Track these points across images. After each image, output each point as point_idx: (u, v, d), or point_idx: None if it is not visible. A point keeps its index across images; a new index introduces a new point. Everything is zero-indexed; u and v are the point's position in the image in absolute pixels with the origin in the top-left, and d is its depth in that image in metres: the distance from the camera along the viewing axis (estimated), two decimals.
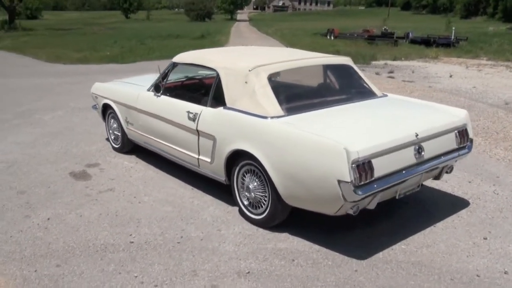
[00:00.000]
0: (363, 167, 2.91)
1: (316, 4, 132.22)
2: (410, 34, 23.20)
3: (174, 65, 4.51)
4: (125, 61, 15.58)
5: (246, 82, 3.65)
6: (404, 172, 3.21)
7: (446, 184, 4.54)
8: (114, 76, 7.73)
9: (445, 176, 4.66)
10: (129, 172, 4.88)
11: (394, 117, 3.66)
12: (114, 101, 5.26)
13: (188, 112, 4.01)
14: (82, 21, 59.17)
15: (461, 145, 3.70)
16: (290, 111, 3.53)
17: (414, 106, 4.05)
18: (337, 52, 17.14)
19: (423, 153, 3.31)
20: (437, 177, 3.78)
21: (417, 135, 3.27)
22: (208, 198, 4.20)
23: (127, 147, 5.40)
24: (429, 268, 3.08)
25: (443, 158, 3.54)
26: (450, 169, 3.84)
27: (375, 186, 2.99)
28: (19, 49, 20.07)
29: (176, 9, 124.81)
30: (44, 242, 3.43)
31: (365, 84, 4.23)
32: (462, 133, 3.70)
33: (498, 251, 3.32)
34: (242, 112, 3.60)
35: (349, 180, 2.85)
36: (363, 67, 13.87)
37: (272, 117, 3.43)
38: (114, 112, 5.30)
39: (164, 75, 4.54)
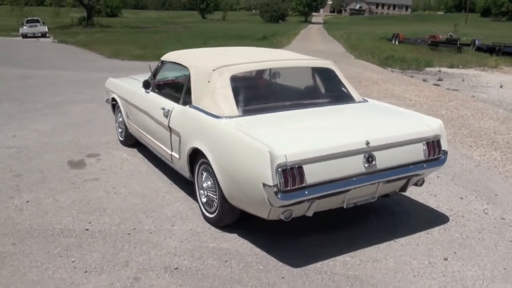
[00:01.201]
0: (291, 172, 2.83)
1: (394, 8, 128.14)
2: (477, 41, 21.86)
3: (163, 63, 4.64)
4: None
5: (209, 82, 3.68)
6: (347, 181, 3.07)
7: (433, 198, 4.26)
8: None
9: (434, 189, 4.42)
10: (121, 164, 5.10)
11: (351, 124, 3.52)
12: (119, 96, 5.52)
13: (163, 108, 4.12)
14: (160, 20, 62.02)
15: (430, 157, 3.45)
16: (246, 112, 3.51)
17: (385, 114, 3.85)
18: (391, 57, 16.54)
19: (374, 163, 3.14)
20: (402, 189, 3.56)
21: (368, 143, 3.11)
22: (181, 194, 4.28)
23: (130, 140, 5.63)
24: (363, 284, 2.92)
25: (403, 170, 3.33)
26: (420, 182, 3.60)
27: (306, 193, 2.89)
28: (88, 44, 21.57)
29: (254, 11, 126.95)
30: (13, 222, 3.69)
31: (343, 89, 4.09)
32: (433, 145, 3.45)
33: (454, 274, 3.06)
34: (201, 111, 3.64)
35: (271, 184, 2.79)
36: (413, 73, 13.28)
37: (225, 117, 3.44)
38: (119, 106, 5.56)
39: (155, 73, 4.69)
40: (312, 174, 2.92)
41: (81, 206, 4.01)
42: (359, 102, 4.03)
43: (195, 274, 3.00)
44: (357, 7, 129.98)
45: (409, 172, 3.37)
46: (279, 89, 4.02)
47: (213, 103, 3.56)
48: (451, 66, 15.16)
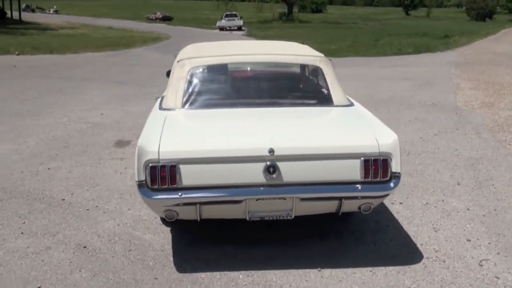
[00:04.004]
0: (162, 170, 2.68)
1: None
2: None
3: None
4: (335, 55, 16.15)
5: (172, 73, 3.69)
6: (240, 190, 2.74)
7: (434, 234, 3.43)
8: None
9: (438, 223, 3.55)
10: None
11: (279, 129, 3.10)
12: None
13: (156, 98, 4.28)
14: (363, 16, 61.41)
15: (370, 179, 2.80)
16: (191, 106, 3.43)
17: (340, 122, 3.29)
18: None
19: (277, 175, 2.72)
20: (335, 213, 2.98)
21: (271, 151, 2.71)
22: None
23: None
24: None
25: (326, 189, 2.79)
26: (366, 209, 2.95)
27: (180, 194, 2.70)
28: (270, 37, 23.36)
29: (462, 8, 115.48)
30: (20, 183, 4.34)
31: (322, 90, 3.60)
32: (376, 164, 2.79)
33: None
34: (159, 101, 3.69)
35: (137, 180, 2.71)
36: None
37: (165, 109, 3.43)
38: None
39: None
40: (191, 176, 2.71)
41: (82, 179, 4.49)
42: (336, 106, 3.50)
43: (92, 255, 3.11)
44: None
45: (335, 193, 2.81)
46: (244, 85, 3.73)
47: (167, 94, 3.57)
48: None
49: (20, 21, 34.26)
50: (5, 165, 4.81)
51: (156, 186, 2.69)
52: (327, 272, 2.93)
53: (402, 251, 3.21)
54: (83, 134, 6.02)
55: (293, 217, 2.91)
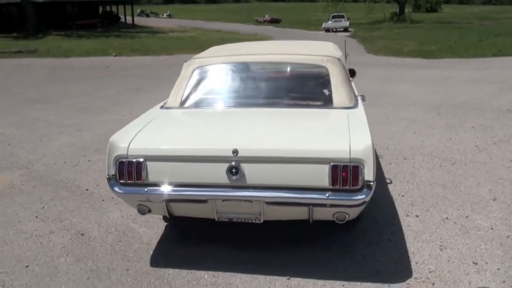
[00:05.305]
0: (129, 165, 2.77)
1: None
2: None
3: None
4: (432, 56, 15.66)
5: (181, 72, 3.79)
6: (205, 190, 2.73)
7: (438, 253, 3.09)
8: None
9: (448, 241, 3.24)
10: None
11: (259, 129, 3.04)
12: None
13: None
14: (479, 15, 56.81)
15: (339, 187, 2.61)
16: (189, 105, 3.51)
17: (318, 126, 3.14)
18: None
19: (240, 176, 2.66)
20: (308, 220, 2.81)
21: (235, 152, 2.65)
22: None
23: None
24: None
25: (293, 194, 2.66)
26: (340, 218, 2.75)
27: (145, 190, 2.77)
28: (369, 39, 23.15)
29: None
30: (56, 172, 4.76)
31: (324, 91, 3.42)
32: (345, 171, 2.59)
33: None
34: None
35: (107, 174, 2.83)
36: None
37: (163, 107, 3.54)
38: None
39: None
40: (157, 173, 2.76)
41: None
42: (335, 108, 3.31)
43: (84, 243, 3.32)
44: None
45: (302, 199, 2.66)
46: (244, 85, 3.65)
47: (170, 93, 3.68)
48: None
49: (133, 25, 37.43)
50: (53, 156, 5.31)
51: (123, 181, 2.80)
52: (295, 281, 2.79)
53: (390, 267, 2.93)
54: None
55: (262, 221, 2.83)
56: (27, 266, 3.03)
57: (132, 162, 2.77)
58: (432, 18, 45.06)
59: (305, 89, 3.57)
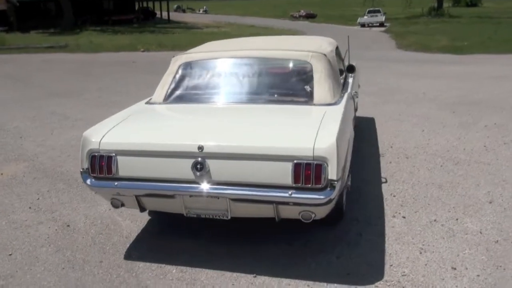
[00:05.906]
0: (101, 159, 2.83)
1: None
2: None
3: None
4: (462, 52, 15.27)
5: (168, 68, 3.83)
6: (172, 185, 2.76)
7: (416, 256, 3.00)
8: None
9: (430, 244, 3.15)
10: None
11: (228, 125, 3.06)
12: None
13: None
14: None
15: (301, 185, 2.57)
16: (173, 100, 3.56)
17: (289, 122, 3.11)
18: None
19: (205, 172, 2.67)
20: (276, 218, 2.78)
21: (201, 148, 2.67)
22: None
23: None
24: None
25: (256, 191, 2.64)
26: (306, 217, 2.71)
27: (116, 184, 2.82)
28: (403, 34, 22.72)
29: None
30: (58, 165, 4.94)
31: (305, 87, 3.38)
32: (308, 168, 2.55)
33: None
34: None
35: (81, 168, 2.91)
36: None
37: (147, 103, 3.60)
38: None
39: None
40: (127, 168, 2.81)
41: None
42: (315, 104, 3.26)
43: (67, 234, 3.41)
44: None
45: (265, 196, 2.64)
46: (227, 81, 3.62)
47: (157, 88, 3.73)
48: None
49: (168, 21, 38.05)
50: (60, 149, 5.48)
51: (95, 175, 2.86)
52: (261, 279, 2.77)
53: (361, 269, 2.87)
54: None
55: (229, 218, 2.82)
56: (10, 255, 3.15)
57: (103, 156, 2.83)
58: (471, 12, 43.42)
59: (288, 85, 3.53)
